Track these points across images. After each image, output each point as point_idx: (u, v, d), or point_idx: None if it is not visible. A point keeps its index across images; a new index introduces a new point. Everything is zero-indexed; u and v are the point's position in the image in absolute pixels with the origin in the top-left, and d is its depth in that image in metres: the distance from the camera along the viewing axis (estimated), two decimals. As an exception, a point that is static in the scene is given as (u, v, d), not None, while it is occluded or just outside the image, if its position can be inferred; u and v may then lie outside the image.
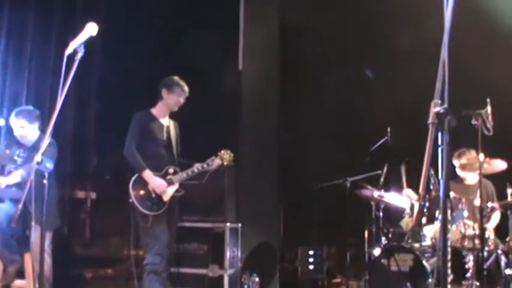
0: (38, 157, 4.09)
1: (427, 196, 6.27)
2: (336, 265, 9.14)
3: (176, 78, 6.08)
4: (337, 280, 9.18)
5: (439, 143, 2.68)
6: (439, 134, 2.69)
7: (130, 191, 5.79)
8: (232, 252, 6.96)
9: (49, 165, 4.36)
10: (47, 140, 4.11)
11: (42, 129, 6.36)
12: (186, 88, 6.04)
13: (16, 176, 5.88)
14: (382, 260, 6.52)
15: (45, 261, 5.80)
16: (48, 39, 8.99)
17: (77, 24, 8.77)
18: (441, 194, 2.68)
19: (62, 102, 4.04)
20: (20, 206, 4.34)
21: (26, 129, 6.21)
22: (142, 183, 5.81)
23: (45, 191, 4.11)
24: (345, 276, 8.96)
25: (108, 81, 8.74)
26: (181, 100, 6.05)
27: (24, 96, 8.64)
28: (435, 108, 2.71)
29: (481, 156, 5.60)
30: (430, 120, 2.73)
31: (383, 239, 7.11)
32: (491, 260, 6.43)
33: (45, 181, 4.12)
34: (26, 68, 8.77)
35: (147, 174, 5.79)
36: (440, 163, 2.71)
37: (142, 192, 5.80)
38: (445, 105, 2.68)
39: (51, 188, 4.58)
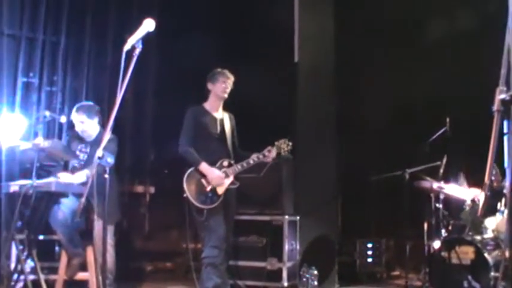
0: (99, 152, 4.16)
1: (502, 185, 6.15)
2: (395, 258, 9.06)
3: (217, 69, 6.13)
4: (396, 273, 9.11)
5: (505, 131, 2.61)
6: (505, 122, 2.62)
7: (184, 185, 5.83)
8: (290, 245, 6.96)
9: (110, 160, 4.41)
10: (107, 135, 4.17)
11: (102, 125, 6.47)
12: (228, 73, 6.07)
13: (82, 176, 5.98)
14: (443, 253, 6.43)
15: (109, 253, 5.92)
16: (105, 36, 9.17)
17: (133, 21, 8.92)
18: (507, 183, 2.61)
19: (121, 98, 4.06)
20: (83, 200, 4.41)
21: (85, 124, 6.33)
22: (197, 177, 5.85)
23: (106, 185, 4.18)
24: (403, 269, 8.87)
25: (165, 77, 8.85)
26: (227, 85, 6.06)
27: (83, 93, 8.84)
28: (500, 95, 2.64)
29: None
30: (495, 108, 2.66)
31: (443, 231, 7.01)
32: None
33: (106, 175, 4.18)
34: (85, 66, 8.98)
35: (204, 167, 5.83)
36: (506, 151, 2.65)
37: (196, 186, 5.83)
38: (511, 92, 2.61)
39: (112, 182, 4.66)
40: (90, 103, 6.68)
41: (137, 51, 4.06)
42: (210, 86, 6.09)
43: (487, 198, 5.63)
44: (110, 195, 4.51)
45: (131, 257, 8.23)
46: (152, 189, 9.47)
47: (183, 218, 6.05)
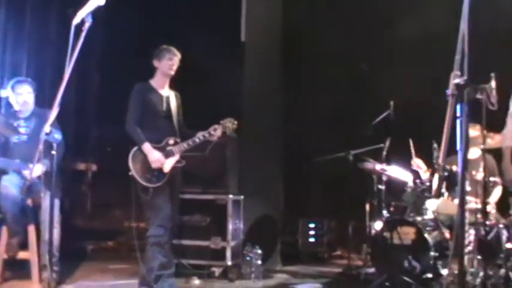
0: (47, 128, 4.08)
1: (447, 167, 6.29)
2: (337, 238, 9.19)
3: (163, 45, 6.03)
4: (338, 253, 9.25)
5: (458, 114, 2.67)
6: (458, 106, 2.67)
7: (130, 163, 5.76)
8: (234, 224, 6.97)
9: (57, 136, 4.33)
10: (55, 110, 4.08)
11: (42, 103, 6.36)
12: (174, 50, 5.99)
13: (39, 168, 5.83)
14: (384, 233, 6.56)
15: (56, 229, 5.83)
16: (48, 10, 8.94)
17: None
18: (459, 165, 2.67)
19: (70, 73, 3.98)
20: (29, 176, 4.32)
21: (31, 95, 6.23)
22: (142, 155, 5.78)
23: (54, 161, 4.10)
24: (345, 249, 9.02)
25: (109, 53, 8.71)
26: (174, 62, 5.99)
27: (24, 67, 8.61)
28: (455, 79, 2.69)
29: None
30: (449, 92, 2.72)
31: (385, 212, 7.14)
32: (492, 234, 6.46)
33: (53, 152, 4.11)
34: (25, 39, 8.73)
35: (146, 148, 5.76)
36: (458, 134, 2.70)
37: (141, 164, 5.76)
38: (465, 77, 2.67)
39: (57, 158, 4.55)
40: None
41: (87, 25, 3.98)
42: (156, 63, 6.00)
43: (441, 178, 5.80)
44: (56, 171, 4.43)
45: (72, 236, 8.08)
46: (94, 167, 9.34)
47: (126, 196, 6.00)
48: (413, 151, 7.03)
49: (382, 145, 7.17)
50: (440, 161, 5.18)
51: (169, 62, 5.96)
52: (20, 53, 8.68)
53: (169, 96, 6.06)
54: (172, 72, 6.00)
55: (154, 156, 5.74)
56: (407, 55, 8.35)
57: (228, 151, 7.08)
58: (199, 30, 8.37)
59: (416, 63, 8.17)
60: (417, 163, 6.91)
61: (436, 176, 6.43)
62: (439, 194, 6.39)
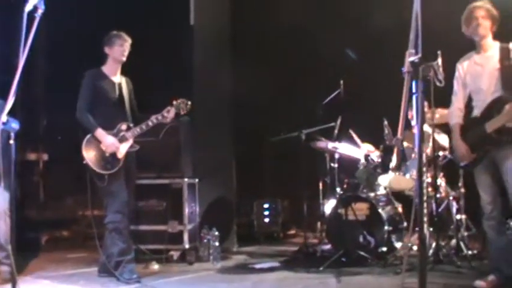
0: (3, 117, 4.04)
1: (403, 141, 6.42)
2: (291, 217, 9.31)
3: (114, 31, 5.98)
4: (292, 232, 9.37)
5: (413, 90, 2.76)
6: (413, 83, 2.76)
7: (83, 151, 5.72)
8: (190, 208, 6.99)
9: (15, 125, 4.28)
10: (11, 99, 4.04)
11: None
12: (125, 36, 5.95)
13: None
14: (339, 210, 6.68)
15: (2, 220, 5.74)
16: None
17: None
18: (416, 139, 2.76)
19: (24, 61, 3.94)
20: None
21: None
22: (95, 143, 5.75)
23: (12, 152, 4.06)
24: (300, 228, 9.15)
25: (57, 40, 8.57)
26: (125, 48, 5.94)
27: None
28: (410, 58, 2.77)
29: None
30: (405, 69, 2.80)
31: (338, 189, 7.27)
32: (442, 206, 6.66)
33: (11, 141, 4.07)
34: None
35: (99, 133, 5.73)
36: (414, 110, 2.79)
37: (95, 152, 5.73)
38: (419, 55, 2.75)
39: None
40: None
41: (39, 12, 3.94)
42: (107, 49, 5.95)
43: (399, 151, 5.93)
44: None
45: (26, 227, 8.00)
46: (45, 156, 9.22)
47: (79, 185, 5.98)
48: (357, 140, 7.16)
49: (333, 124, 7.28)
50: (399, 135, 5.30)
51: (121, 48, 5.92)
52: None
53: (121, 83, 6.03)
54: (124, 58, 5.96)
55: (108, 140, 5.72)
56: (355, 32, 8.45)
57: (181, 135, 7.07)
58: (148, 15, 8.34)
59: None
60: (367, 149, 7.04)
61: (395, 150, 6.56)
62: (399, 167, 6.53)
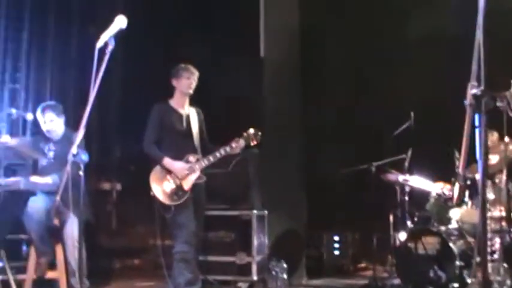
0: (73, 149, 4.16)
1: (469, 175, 6.28)
2: (361, 250, 9.18)
3: (181, 64, 6.07)
4: (362, 265, 9.23)
5: (476, 124, 2.70)
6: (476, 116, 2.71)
7: (151, 183, 5.83)
8: (259, 239, 7.00)
9: (84, 157, 4.39)
10: (81, 132, 4.16)
11: (67, 124, 6.45)
12: (192, 69, 6.02)
13: (48, 180, 5.93)
14: (409, 244, 6.56)
15: (76, 248, 5.89)
16: (69, 33, 9.09)
17: (96, 17, 8.87)
18: (479, 174, 2.70)
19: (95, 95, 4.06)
20: (58, 197, 4.39)
21: (54, 122, 6.29)
22: (162, 174, 5.85)
23: (81, 182, 4.17)
24: (370, 261, 9.00)
25: (130, 72, 8.79)
26: (192, 81, 6.02)
27: (48, 90, 8.74)
28: (472, 90, 2.72)
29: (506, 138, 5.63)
30: (467, 102, 2.75)
31: (409, 222, 7.14)
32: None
33: (81, 173, 4.18)
34: (48, 63, 8.87)
35: (167, 161, 5.82)
36: (477, 144, 2.73)
37: (162, 183, 5.83)
38: (482, 87, 2.70)
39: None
40: (54, 102, 6.62)
41: (110, 48, 4.05)
42: (174, 82, 6.05)
43: (461, 187, 5.80)
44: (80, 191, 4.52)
45: (99, 255, 8.15)
46: (119, 186, 9.43)
47: (151, 214, 6.05)
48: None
49: (404, 156, 7.17)
50: (460, 170, 5.18)
51: (187, 81, 6.01)
52: (43, 74, 8.82)
53: (190, 114, 6.10)
54: (191, 91, 6.05)
55: (177, 165, 5.81)
56: (422, 63, 8.35)
57: (250, 166, 7.12)
58: (218, 47, 8.45)
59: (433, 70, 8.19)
60: (442, 187, 6.87)
61: (457, 185, 6.42)
62: (460, 203, 6.39)
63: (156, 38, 8.66)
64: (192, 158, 5.93)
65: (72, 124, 6.66)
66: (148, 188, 5.88)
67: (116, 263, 8.96)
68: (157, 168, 5.86)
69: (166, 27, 8.71)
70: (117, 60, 8.95)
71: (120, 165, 9.62)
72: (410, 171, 7.14)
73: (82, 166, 4.23)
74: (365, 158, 7.48)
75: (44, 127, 6.31)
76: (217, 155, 5.90)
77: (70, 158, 4.17)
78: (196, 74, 6.05)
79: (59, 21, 9.00)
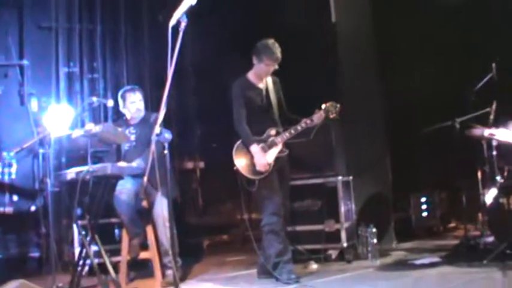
0: (157, 129, 4.20)
1: None
2: (450, 210, 9.01)
3: (266, 43, 5.90)
4: (452, 225, 9.07)
5: None
6: None
7: (234, 158, 5.86)
8: (346, 206, 6.93)
9: (168, 135, 4.45)
10: (162, 111, 4.20)
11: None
12: (275, 55, 5.85)
13: (133, 164, 6.04)
14: (500, 200, 6.36)
15: (166, 227, 6.01)
16: (140, 18, 9.22)
17: (166, 6, 8.94)
18: None
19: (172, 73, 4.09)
20: (145, 179, 4.46)
21: (142, 102, 6.51)
22: (245, 149, 5.87)
23: (167, 161, 4.22)
24: (459, 221, 8.84)
25: (203, 49, 8.81)
26: (271, 69, 5.93)
27: (124, 76, 8.91)
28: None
29: None
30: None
31: (498, 178, 6.92)
32: None
33: (165, 151, 4.22)
34: (122, 49, 9.05)
35: (254, 149, 5.81)
36: None
37: (245, 158, 5.85)
38: None
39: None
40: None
41: (183, 25, 4.07)
42: (254, 60, 5.96)
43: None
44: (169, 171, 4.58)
45: (187, 234, 8.30)
46: (202, 164, 9.53)
47: (235, 190, 6.09)
48: None
49: (488, 109, 6.94)
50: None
51: (266, 68, 5.93)
52: (118, 63, 8.98)
53: (268, 87, 6.07)
54: (268, 76, 6.02)
55: (260, 159, 5.78)
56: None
57: (332, 133, 7.03)
58: (291, 16, 8.36)
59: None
60: None
61: None
62: None
63: (230, 10, 8.60)
64: (273, 131, 5.92)
65: (150, 107, 6.79)
66: (232, 164, 5.90)
67: (205, 240, 9.08)
68: (240, 143, 5.87)
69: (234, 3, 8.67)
70: (189, 38, 9.01)
71: (202, 143, 9.71)
72: (496, 125, 6.90)
73: (166, 145, 4.28)
74: (448, 117, 7.28)
75: (132, 107, 6.48)
76: (298, 128, 5.86)
77: (154, 137, 4.22)
78: (276, 61, 5.89)
79: (129, 8, 9.13)
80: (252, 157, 5.80)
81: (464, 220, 7.59)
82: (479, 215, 7.56)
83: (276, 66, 5.94)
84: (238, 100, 5.94)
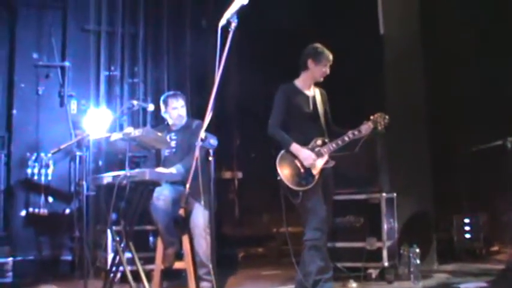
0: (202, 134, 4.04)
1: None
2: (494, 232, 8.73)
3: (321, 47, 5.76)
4: (495, 248, 8.78)
5: None
6: None
7: (278, 168, 5.61)
8: (389, 224, 6.70)
9: (213, 141, 4.27)
10: (208, 115, 4.03)
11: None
12: (331, 57, 5.73)
13: (172, 170, 5.91)
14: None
15: (204, 239, 5.85)
16: (182, 23, 9.20)
17: (209, 5, 8.87)
18: None
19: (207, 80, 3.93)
20: (188, 186, 4.29)
21: (184, 109, 6.38)
22: (290, 158, 5.61)
23: (211, 169, 4.05)
24: (503, 244, 8.56)
25: (247, 56, 8.68)
26: (327, 70, 5.75)
27: (165, 81, 8.88)
28: None
29: None
30: None
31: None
32: None
33: (210, 158, 4.06)
34: (164, 55, 9.05)
35: (294, 147, 5.59)
36: None
37: (289, 168, 5.59)
38: None
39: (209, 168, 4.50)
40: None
41: (233, 25, 3.92)
42: (310, 63, 5.73)
43: None
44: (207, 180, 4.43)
45: (223, 244, 8.15)
46: (240, 175, 9.39)
47: (273, 201, 5.90)
48: None
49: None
50: None
51: (323, 69, 5.73)
52: (159, 68, 8.93)
53: (315, 96, 5.87)
54: (322, 80, 5.82)
55: (305, 153, 5.56)
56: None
57: (377, 148, 6.81)
58: (338, 26, 8.22)
59: None
60: None
61: None
62: None
63: (275, 17, 8.48)
64: (319, 141, 5.69)
65: (191, 113, 6.66)
66: (271, 175, 5.70)
67: (240, 252, 8.91)
68: (284, 152, 5.65)
69: (283, 8, 8.53)
70: (233, 43, 8.91)
71: (241, 153, 9.58)
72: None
73: (211, 151, 4.12)
74: (497, 135, 7.00)
75: (173, 113, 6.34)
76: (346, 138, 5.63)
77: (199, 143, 4.06)
78: (331, 63, 5.75)
79: (172, 13, 9.12)
80: (296, 167, 5.59)
81: (507, 244, 7.32)
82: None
83: (328, 71, 5.77)
84: (280, 106, 5.72)
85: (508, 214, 7.37)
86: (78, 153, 7.75)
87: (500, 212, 8.52)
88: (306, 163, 5.55)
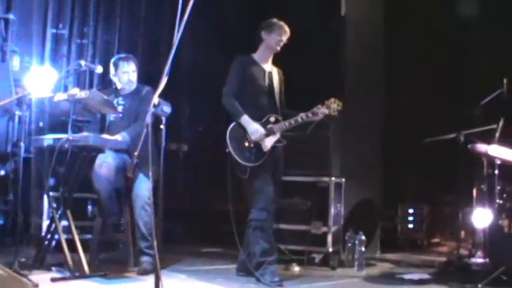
0: (155, 99, 3.79)
1: None
2: (435, 224, 8.83)
3: (276, 20, 5.68)
4: (436, 240, 8.86)
5: None
6: None
7: (227, 140, 5.43)
8: (336, 209, 6.57)
9: (166, 108, 4.01)
10: (163, 80, 3.77)
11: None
12: (286, 28, 5.63)
13: (117, 137, 5.64)
14: (500, 222, 6.03)
15: (146, 211, 5.63)
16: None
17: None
18: None
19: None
20: (136, 155, 4.02)
21: (135, 74, 6.07)
22: (240, 132, 5.46)
23: (162, 137, 3.82)
24: (443, 236, 8.62)
25: (201, 30, 8.45)
26: (283, 39, 5.62)
27: (115, 45, 8.59)
28: None
29: None
30: None
31: (497, 198, 6.59)
32: None
33: (162, 126, 3.82)
34: (117, 17, 8.69)
35: (244, 119, 5.44)
36: None
37: (239, 141, 5.44)
38: None
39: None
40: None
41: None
42: (264, 34, 5.64)
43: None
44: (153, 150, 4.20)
45: (163, 218, 7.91)
46: (185, 147, 9.13)
47: (217, 177, 5.75)
48: None
49: (494, 126, 6.61)
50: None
51: (278, 38, 5.61)
52: (111, 30, 8.62)
53: (272, 72, 5.72)
54: (278, 49, 5.66)
55: (253, 127, 5.42)
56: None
57: (330, 132, 6.65)
58: (298, 5, 8.04)
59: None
60: None
61: None
62: None
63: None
64: (272, 118, 5.53)
65: (142, 80, 6.37)
66: (217, 149, 5.56)
67: (180, 227, 8.69)
68: (235, 125, 5.47)
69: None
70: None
71: (188, 125, 9.35)
72: (500, 143, 6.57)
73: (164, 119, 3.87)
74: (450, 128, 6.94)
75: (123, 77, 6.01)
76: (299, 120, 5.48)
77: (151, 109, 3.80)
78: (288, 34, 5.64)
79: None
80: (247, 141, 5.40)
81: (455, 237, 7.36)
82: (462, 232, 7.38)
83: (285, 41, 5.64)
84: (235, 76, 5.59)
85: (450, 207, 7.36)
86: (17, 112, 7.35)
87: (443, 204, 8.57)
88: (253, 137, 5.42)
